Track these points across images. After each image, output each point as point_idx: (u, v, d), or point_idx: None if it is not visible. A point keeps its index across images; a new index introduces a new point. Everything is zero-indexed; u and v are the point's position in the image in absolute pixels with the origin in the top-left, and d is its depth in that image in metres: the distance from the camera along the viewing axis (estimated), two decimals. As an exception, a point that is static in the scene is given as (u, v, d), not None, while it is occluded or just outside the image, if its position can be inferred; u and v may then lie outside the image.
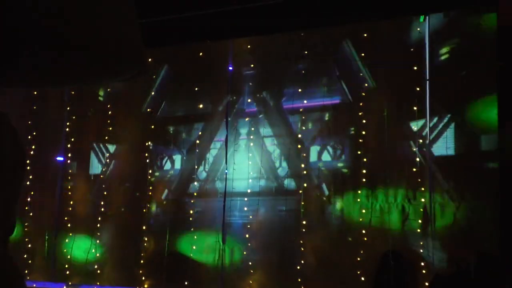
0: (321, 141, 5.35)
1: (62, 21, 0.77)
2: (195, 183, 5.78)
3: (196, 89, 5.82)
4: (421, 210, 4.76)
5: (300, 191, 5.26)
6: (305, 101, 5.43)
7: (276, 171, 5.51)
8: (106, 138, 6.13)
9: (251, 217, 5.43)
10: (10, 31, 0.74)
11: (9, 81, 0.84)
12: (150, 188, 5.90)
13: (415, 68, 4.93)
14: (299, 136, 5.40)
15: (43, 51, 0.79)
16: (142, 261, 5.72)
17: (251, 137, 5.62)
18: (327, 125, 5.37)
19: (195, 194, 5.73)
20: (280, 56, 5.53)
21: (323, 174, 5.27)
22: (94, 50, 0.81)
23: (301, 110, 5.43)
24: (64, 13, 0.77)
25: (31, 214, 6.12)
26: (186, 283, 5.46)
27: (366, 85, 5.12)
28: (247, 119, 5.68)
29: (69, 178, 6.28)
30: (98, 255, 5.89)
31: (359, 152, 5.09)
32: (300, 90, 5.41)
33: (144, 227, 5.79)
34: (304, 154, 5.35)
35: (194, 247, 5.53)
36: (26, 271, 5.89)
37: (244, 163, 5.55)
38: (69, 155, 6.28)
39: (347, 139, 5.26)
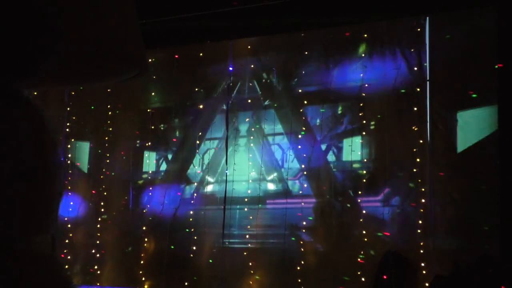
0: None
1: (71, 23, 0.78)
2: (193, 185, 5.77)
3: (196, 89, 5.81)
4: (421, 210, 4.76)
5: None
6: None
7: (282, 173, 5.45)
8: (106, 138, 6.13)
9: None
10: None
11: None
12: (150, 188, 5.90)
13: (415, 68, 4.93)
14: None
15: (54, 52, 0.79)
16: (142, 261, 5.72)
17: (251, 137, 5.59)
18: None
19: (195, 195, 5.73)
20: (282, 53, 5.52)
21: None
22: (96, 51, 0.81)
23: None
24: (73, 17, 0.78)
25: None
26: (186, 283, 5.46)
27: (366, 85, 5.11)
28: (247, 119, 5.66)
29: (69, 178, 6.27)
30: (98, 255, 5.89)
31: (359, 153, 5.09)
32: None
33: (144, 227, 5.78)
34: (305, 154, 5.33)
35: (194, 247, 5.53)
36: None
37: (244, 163, 5.53)
38: (69, 155, 6.28)
39: (349, 137, 5.23)
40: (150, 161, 6.02)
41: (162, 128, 6.05)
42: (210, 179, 5.68)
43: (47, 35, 0.77)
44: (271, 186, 5.47)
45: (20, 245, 0.80)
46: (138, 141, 6.08)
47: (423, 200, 4.76)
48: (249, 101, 5.60)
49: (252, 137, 5.58)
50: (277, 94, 5.50)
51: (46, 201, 0.85)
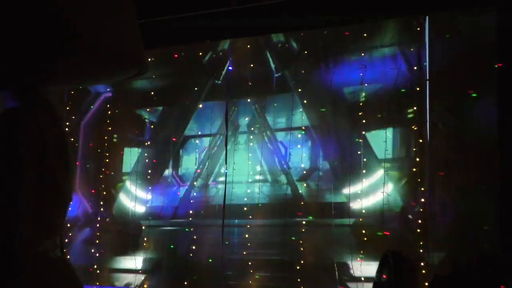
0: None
1: (71, 23, 0.78)
2: (192, 184, 5.76)
3: (196, 88, 5.81)
4: (421, 210, 4.76)
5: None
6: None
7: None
8: (106, 138, 6.12)
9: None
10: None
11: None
12: (150, 188, 5.89)
13: (415, 68, 4.93)
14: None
15: (58, 53, 0.80)
16: (142, 261, 5.72)
17: (251, 137, 5.58)
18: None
19: (194, 194, 5.72)
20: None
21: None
22: (96, 50, 0.81)
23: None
24: (73, 17, 0.78)
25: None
26: (186, 283, 5.46)
27: (366, 85, 5.11)
28: (246, 119, 5.63)
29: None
30: (97, 255, 5.89)
31: (359, 152, 5.08)
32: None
33: (143, 227, 5.78)
34: (304, 154, 5.31)
35: (194, 247, 5.52)
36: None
37: (244, 163, 5.53)
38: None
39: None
40: (149, 161, 6.01)
41: (161, 128, 6.05)
42: (208, 179, 5.68)
43: (49, 35, 0.77)
44: (273, 187, 5.46)
45: (31, 249, 0.80)
46: (137, 141, 6.08)
47: (423, 200, 4.76)
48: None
49: (251, 137, 5.57)
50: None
51: (58, 204, 0.86)
